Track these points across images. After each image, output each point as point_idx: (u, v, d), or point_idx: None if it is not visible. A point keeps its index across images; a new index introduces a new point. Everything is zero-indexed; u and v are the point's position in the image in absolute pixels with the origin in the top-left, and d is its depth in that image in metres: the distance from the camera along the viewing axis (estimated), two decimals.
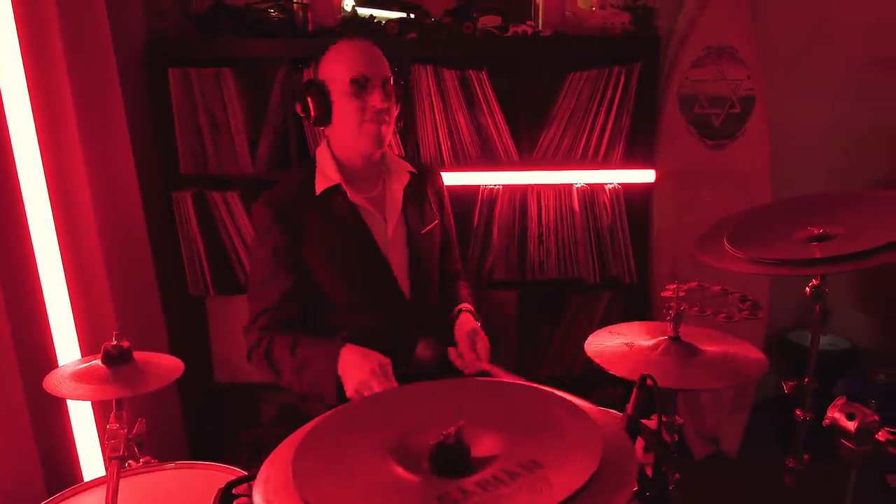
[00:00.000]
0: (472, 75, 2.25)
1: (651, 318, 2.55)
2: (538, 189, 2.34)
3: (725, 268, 1.50)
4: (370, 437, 0.70)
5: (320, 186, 1.62)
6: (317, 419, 0.79)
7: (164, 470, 1.29)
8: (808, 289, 1.54)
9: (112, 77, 1.95)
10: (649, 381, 1.06)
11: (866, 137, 2.76)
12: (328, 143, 1.68)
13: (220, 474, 1.30)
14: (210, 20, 2.21)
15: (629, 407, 1.12)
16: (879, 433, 0.97)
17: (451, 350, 1.68)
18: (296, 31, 2.24)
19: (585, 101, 2.30)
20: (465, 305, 1.79)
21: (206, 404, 2.53)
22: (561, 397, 0.75)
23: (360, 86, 1.53)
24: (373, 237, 1.65)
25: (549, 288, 2.42)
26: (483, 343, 1.63)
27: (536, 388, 0.78)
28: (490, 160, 2.33)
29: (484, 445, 0.67)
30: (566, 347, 2.52)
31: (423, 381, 1.45)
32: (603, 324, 2.54)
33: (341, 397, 1.52)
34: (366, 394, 1.44)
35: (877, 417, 0.98)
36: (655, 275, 2.61)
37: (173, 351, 2.38)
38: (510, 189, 2.33)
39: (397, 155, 1.81)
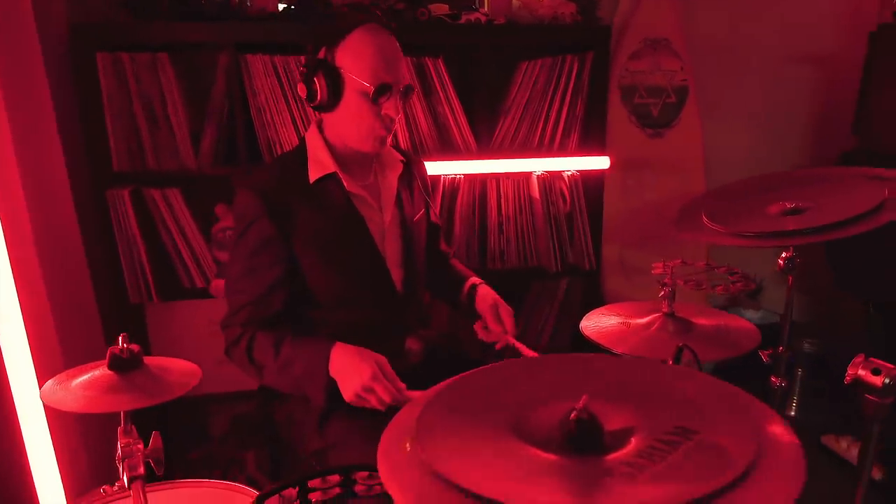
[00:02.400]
0: (429, 63, 2.20)
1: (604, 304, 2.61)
2: (497, 178, 2.32)
3: (709, 241, 1.56)
4: (486, 417, 0.64)
5: (314, 174, 1.51)
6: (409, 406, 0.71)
7: (159, 490, 1.17)
8: (780, 261, 1.63)
9: (37, 64, 1.74)
10: (687, 352, 1.07)
11: (784, 126, 2.97)
12: (320, 127, 1.56)
13: (222, 492, 1.20)
14: (143, 1, 2.03)
15: None
16: None
17: (477, 324, 1.64)
18: (238, 14, 2.10)
19: (540, 89, 2.31)
20: (477, 279, 1.75)
21: (147, 422, 2.31)
22: (664, 364, 0.72)
23: (380, 93, 1.43)
24: (368, 229, 1.56)
25: (510, 277, 2.41)
26: (508, 315, 1.60)
27: (635, 358, 0.75)
28: (448, 150, 2.29)
29: (612, 419, 0.63)
30: (527, 333, 2.53)
31: (412, 373, 1.42)
32: (563, 310, 2.59)
33: (330, 398, 1.43)
34: (370, 399, 1.37)
35: None
36: (604, 261, 2.68)
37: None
38: (470, 179, 2.30)
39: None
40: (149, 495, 0.98)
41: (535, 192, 2.35)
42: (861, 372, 1.06)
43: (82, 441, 1.73)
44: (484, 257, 2.38)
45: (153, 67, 2.04)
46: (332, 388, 1.43)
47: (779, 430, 0.58)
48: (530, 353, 1.55)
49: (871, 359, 1.07)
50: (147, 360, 0.96)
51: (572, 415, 0.61)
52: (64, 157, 1.87)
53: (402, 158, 1.67)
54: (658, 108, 2.75)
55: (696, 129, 2.80)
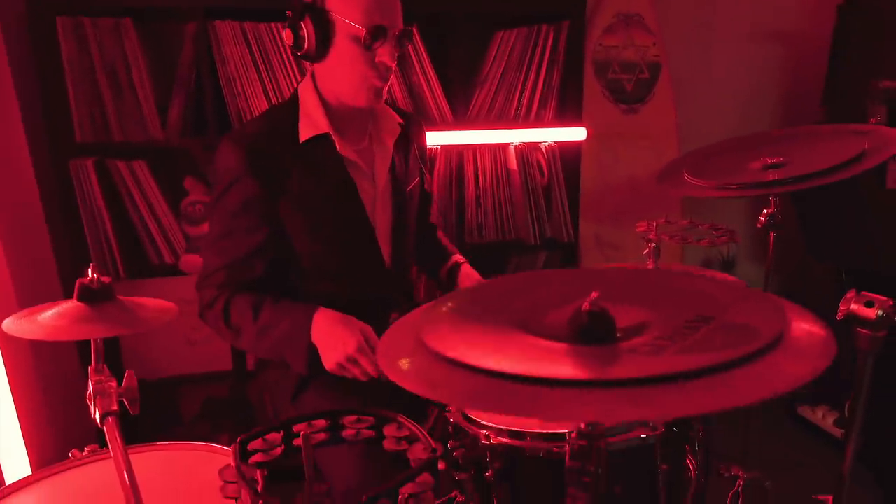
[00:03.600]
0: None
1: None
2: (474, 149, 2.29)
3: (690, 195, 1.56)
4: (495, 318, 0.60)
5: (305, 133, 1.41)
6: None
7: (137, 453, 1.11)
8: (762, 217, 1.64)
9: None
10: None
11: (755, 100, 3.00)
12: (314, 80, 1.45)
13: (200, 454, 1.15)
14: None
15: None
16: None
17: None
18: None
19: (516, 59, 2.29)
20: (461, 257, 1.70)
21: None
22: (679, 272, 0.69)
23: (374, 37, 1.32)
24: (359, 195, 1.47)
25: (488, 251, 2.38)
26: None
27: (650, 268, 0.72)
28: (424, 121, 2.24)
29: (626, 317, 0.60)
30: None
31: None
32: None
33: (311, 366, 1.38)
34: (353, 370, 1.32)
35: (891, 301, 1.04)
36: (580, 237, 2.67)
37: (79, 347, 2.09)
38: (446, 150, 2.27)
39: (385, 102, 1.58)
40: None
41: (513, 164, 2.32)
42: (854, 306, 1.06)
43: (47, 413, 1.65)
44: (462, 230, 2.35)
45: (117, 33, 1.96)
46: (313, 355, 1.37)
47: (800, 312, 0.56)
48: None
49: (864, 293, 1.07)
50: (119, 297, 0.90)
51: (584, 307, 0.58)
52: (23, 125, 1.78)
53: (400, 121, 1.57)
54: (632, 83, 2.75)
55: (670, 104, 2.81)
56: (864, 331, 1.06)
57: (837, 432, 2.58)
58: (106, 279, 0.82)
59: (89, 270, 0.81)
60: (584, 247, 2.72)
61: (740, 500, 1.74)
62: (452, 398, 0.55)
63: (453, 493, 1.15)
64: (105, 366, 0.83)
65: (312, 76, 1.47)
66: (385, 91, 1.44)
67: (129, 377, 0.82)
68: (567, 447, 0.59)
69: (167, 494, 1.03)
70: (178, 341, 2.30)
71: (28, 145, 1.80)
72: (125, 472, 0.74)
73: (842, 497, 1.24)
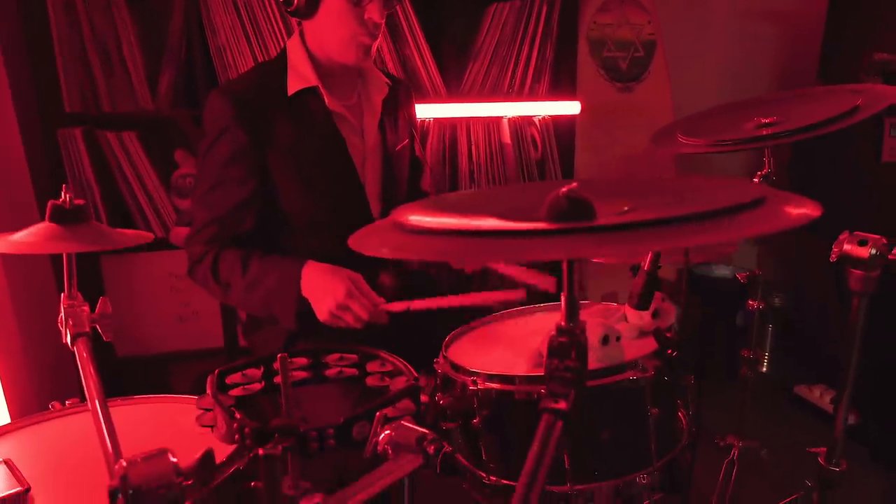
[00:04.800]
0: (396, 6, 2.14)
1: None
2: (468, 123, 2.27)
3: (684, 152, 1.54)
4: (474, 208, 0.58)
5: (293, 86, 1.41)
6: None
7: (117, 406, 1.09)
8: (756, 180, 1.62)
9: None
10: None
11: (751, 77, 2.99)
12: (302, 36, 1.46)
13: (183, 406, 1.12)
14: None
15: (647, 262, 1.08)
16: (892, 252, 1.00)
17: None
18: None
19: (509, 33, 2.27)
20: None
21: (106, 383, 2.20)
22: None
23: None
24: (347, 150, 1.47)
25: None
26: None
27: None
28: (417, 95, 2.23)
29: (608, 207, 0.58)
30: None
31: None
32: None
33: (301, 319, 1.36)
34: (345, 317, 1.30)
35: (885, 240, 1.02)
36: None
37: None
38: (440, 123, 2.25)
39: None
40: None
41: (507, 138, 2.31)
42: (847, 246, 1.04)
43: (28, 367, 1.63)
44: None
45: (107, 4, 1.95)
46: (303, 309, 1.36)
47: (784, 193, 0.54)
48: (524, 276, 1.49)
49: (857, 232, 1.05)
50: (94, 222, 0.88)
51: (561, 191, 0.56)
52: (10, 92, 1.77)
53: (387, 81, 1.58)
54: (627, 61, 2.73)
55: (665, 82, 2.79)
56: (858, 271, 1.04)
57: None
58: (79, 201, 0.80)
59: (62, 190, 0.79)
60: None
61: (735, 468, 1.72)
62: (427, 254, 0.53)
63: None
64: (79, 293, 0.81)
65: (301, 33, 1.47)
66: (374, 49, 1.44)
67: (102, 303, 0.80)
68: (546, 344, 0.56)
69: (145, 439, 1.01)
70: (169, 318, 2.28)
71: (16, 114, 1.78)
72: (96, 396, 0.72)
73: (836, 450, 1.22)
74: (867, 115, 1.37)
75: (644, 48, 2.74)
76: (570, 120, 2.37)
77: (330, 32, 1.40)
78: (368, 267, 1.53)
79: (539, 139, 2.34)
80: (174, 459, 0.51)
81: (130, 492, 0.49)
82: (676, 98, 2.80)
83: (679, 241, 0.40)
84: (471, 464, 1.10)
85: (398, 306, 1.27)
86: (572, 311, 0.58)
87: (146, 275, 2.22)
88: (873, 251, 1.01)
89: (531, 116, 2.32)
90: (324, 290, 1.31)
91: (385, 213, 1.56)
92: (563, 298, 0.59)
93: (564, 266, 0.58)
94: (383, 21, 1.40)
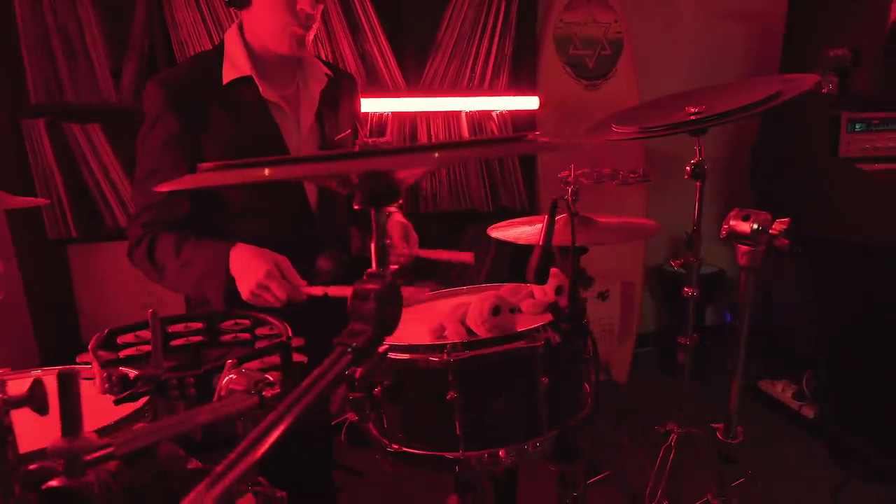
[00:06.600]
0: None
1: None
2: (428, 117, 2.32)
3: (615, 139, 1.59)
4: None
5: (228, 76, 1.46)
6: None
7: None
8: (687, 168, 1.66)
9: None
10: (561, 202, 1.08)
11: (712, 73, 3.01)
12: (240, 27, 1.50)
13: None
14: None
15: (541, 237, 1.12)
16: (773, 226, 1.03)
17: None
18: None
19: (469, 27, 2.32)
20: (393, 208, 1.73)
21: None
22: None
23: None
24: (282, 138, 1.51)
25: (443, 219, 2.41)
26: (413, 236, 1.57)
27: None
28: (376, 89, 2.28)
29: None
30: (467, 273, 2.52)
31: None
32: (498, 252, 2.59)
33: (229, 300, 1.40)
34: (265, 296, 1.34)
35: (769, 216, 1.05)
36: (542, 204, 2.68)
37: (32, 308, 2.13)
38: (399, 117, 2.30)
39: (315, 56, 1.65)
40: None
41: (465, 132, 2.35)
42: (733, 222, 1.07)
43: None
44: (417, 200, 2.37)
45: None
46: (231, 289, 1.40)
47: None
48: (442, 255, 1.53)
49: (746, 209, 1.08)
50: None
51: None
52: None
53: (328, 72, 1.62)
54: (593, 59, 2.77)
55: (633, 81, 2.82)
56: (744, 246, 1.07)
57: (796, 405, 2.59)
58: None
59: None
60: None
61: (672, 454, 1.75)
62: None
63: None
64: None
65: (240, 25, 1.52)
66: (309, 40, 1.48)
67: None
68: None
69: None
70: (135, 306, 2.33)
71: None
72: None
73: (731, 425, 1.26)
74: (787, 97, 1.43)
75: (611, 46, 2.77)
76: (529, 115, 2.41)
77: (264, 23, 1.45)
78: (306, 251, 1.59)
79: (497, 133, 2.38)
80: None
81: None
82: (644, 95, 2.82)
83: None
84: (378, 433, 1.14)
85: (316, 290, 1.30)
86: (381, 258, 0.63)
87: (113, 264, 2.28)
88: (755, 226, 1.04)
89: (490, 111, 2.36)
90: (247, 270, 1.35)
91: (322, 199, 1.60)
92: (372, 247, 0.64)
93: (373, 215, 0.63)
94: (317, 12, 1.44)
